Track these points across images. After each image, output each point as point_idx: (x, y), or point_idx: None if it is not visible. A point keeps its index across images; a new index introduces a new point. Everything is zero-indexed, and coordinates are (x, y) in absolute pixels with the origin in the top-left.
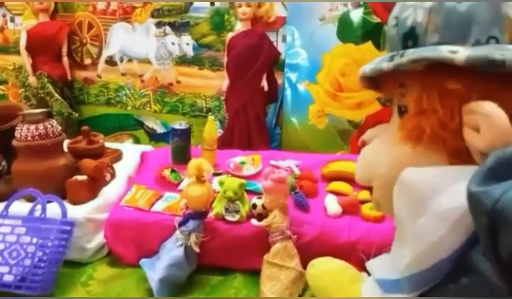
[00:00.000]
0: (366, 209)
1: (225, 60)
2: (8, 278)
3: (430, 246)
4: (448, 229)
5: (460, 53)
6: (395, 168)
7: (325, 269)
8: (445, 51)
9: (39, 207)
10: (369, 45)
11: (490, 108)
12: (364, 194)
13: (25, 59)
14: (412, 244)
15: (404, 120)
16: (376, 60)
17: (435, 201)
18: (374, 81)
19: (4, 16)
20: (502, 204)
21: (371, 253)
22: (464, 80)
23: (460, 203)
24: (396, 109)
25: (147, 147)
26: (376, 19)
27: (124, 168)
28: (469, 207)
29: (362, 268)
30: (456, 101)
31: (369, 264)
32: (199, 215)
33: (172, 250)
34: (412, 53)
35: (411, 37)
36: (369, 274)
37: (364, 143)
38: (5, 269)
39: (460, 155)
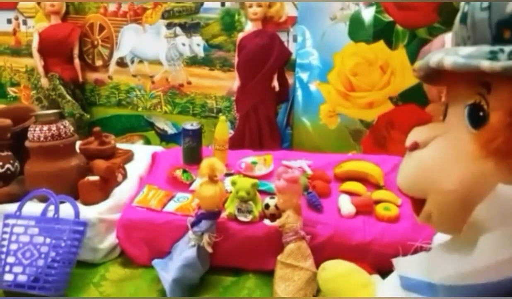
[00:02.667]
0: (380, 209)
1: (235, 60)
2: (22, 278)
3: (497, 262)
4: None
5: None
6: (468, 185)
7: (335, 273)
8: None
9: (52, 207)
10: (381, 44)
11: None
12: (377, 194)
13: (37, 61)
14: (476, 255)
15: (487, 130)
16: (462, 52)
17: None
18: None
19: (16, 19)
20: None
21: (385, 253)
22: None
23: None
24: (466, 112)
25: (158, 148)
26: (388, 18)
27: (136, 169)
28: None
29: (375, 269)
30: None
31: (398, 260)
32: (212, 215)
33: (184, 251)
34: None
35: (509, 26)
36: (383, 277)
37: (416, 146)
38: (18, 269)
39: None
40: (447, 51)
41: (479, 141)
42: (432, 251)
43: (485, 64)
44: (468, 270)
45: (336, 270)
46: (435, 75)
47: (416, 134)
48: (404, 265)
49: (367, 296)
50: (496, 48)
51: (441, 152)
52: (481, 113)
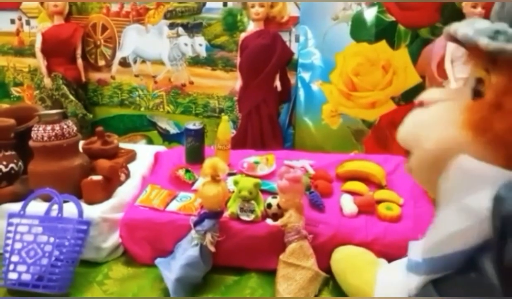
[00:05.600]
0: (382, 209)
1: (238, 60)
2: (26, 277)
3: (450, 235)
4: (470, 225)
5: None
6: (443, 148)
7: (346, 253)
8: None
9: (55, 206)
10: (383, 44)
11: None
12: (379, 194)
13: (40, 61)
14: (436, 228)
15: (476, 105)
16: (476, 26)
17: (472, 195)
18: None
19: (19, 19)
20: None
21: (387, 253)
22: None
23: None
24: (472, 84)
25: (161, 148)
26: (390, 18)
27: (139, 168)
28: (492, 208)
29: None
30: None
31: (411, 244)
32: (214, 214)
33: (187, 250)
34: None
35: None
36: (388, 261)
37: (421, 104)
38: (23, 268)
39: None
40: (467, 22)
41: (466, 111)
42: (427, 232)
43: (484, 41)
44: (431, 243)
45: (346, 251)
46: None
47: (426, 94)
48: (412, 249)
49: (369, 275)
50: (502, 28)
51: (435, 113)
52: (481, 89)
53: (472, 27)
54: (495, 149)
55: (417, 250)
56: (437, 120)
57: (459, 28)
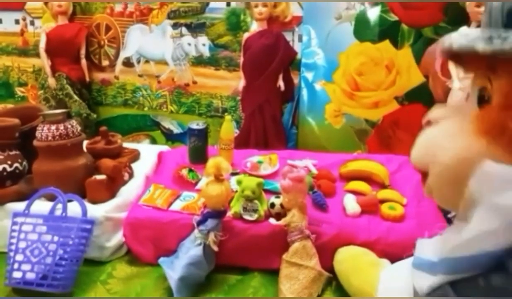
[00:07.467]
0: (385, 209)
1: (241, 60)
2: (30, 275)
3: (480, 234)
4: (502, 224)
5: None
6: (461, 160)
7: (348, 254)
8: None
9: (59, 206)
10: (386, 43)
11: None
12: (383, 193)
13: (44, 61)
14: (467, 228)
15: (485, 111)
16: (469, 34)
17: (502, 195)
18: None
19: (24, 19)
20: None
21: (390, 252)
22: None
23: None
24: (476, 94)
25: (164, 148)
26: (393, 18)
27: (142, 168)
28: None
29: None
30: None
31: (420, 242)
32: (217, 213)
33: (190, 249)
34: None
35: None
36: (392, 262)
37: (429, 123)
38: (27, 266)
39: None
40: (459, 34)
41: (476, 120)
42: (443, 233)
43: (480, 46)
44: (457, 243)
45: (349, 252)
46: (463, 57)
47: (432, 113)
48: (421, 247)
49: (372, 276)
50: (495, 33)
51: (445, 129)
52: (486, 96)
53: (466, 37)
54: None
55: (428, 248)
56: (450, 134)
57: (453, 41)
